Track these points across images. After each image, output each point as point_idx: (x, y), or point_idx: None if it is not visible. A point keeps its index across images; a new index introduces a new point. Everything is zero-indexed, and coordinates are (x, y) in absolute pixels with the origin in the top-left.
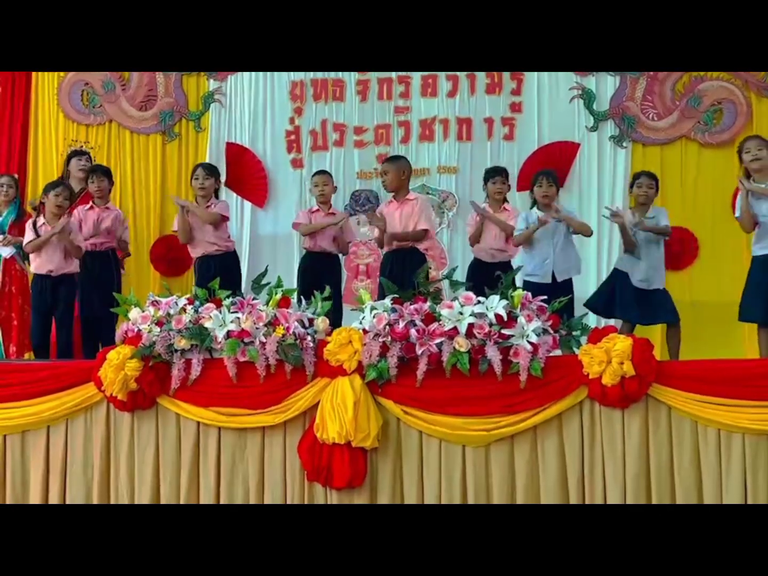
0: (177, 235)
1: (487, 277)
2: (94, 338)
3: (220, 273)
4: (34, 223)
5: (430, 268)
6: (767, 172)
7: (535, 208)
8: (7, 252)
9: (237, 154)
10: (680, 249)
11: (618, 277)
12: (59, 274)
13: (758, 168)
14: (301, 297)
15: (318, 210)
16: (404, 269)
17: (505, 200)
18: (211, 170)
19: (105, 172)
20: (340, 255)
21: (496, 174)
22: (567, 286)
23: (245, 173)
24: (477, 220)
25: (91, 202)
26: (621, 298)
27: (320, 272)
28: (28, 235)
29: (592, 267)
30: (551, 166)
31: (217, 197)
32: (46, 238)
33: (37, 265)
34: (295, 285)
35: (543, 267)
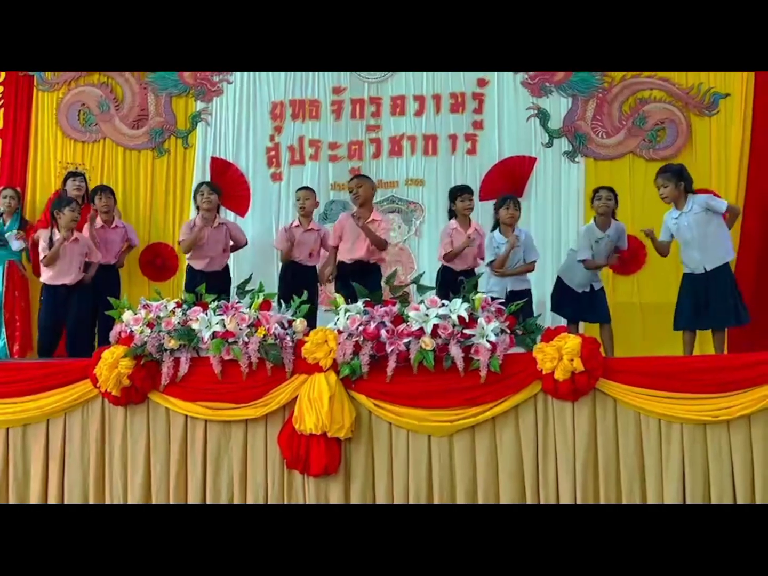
0: (182, 244)
1: (456, 282)
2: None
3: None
4: (50, 239)
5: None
6: (677, 202)
7: (496, 231)
8: (17, 245)
9: (221, 168)
10: (629, 256)
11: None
12: (74, 284)
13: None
14: (281, 302)
15: (298, 225)
16: (361, 279)
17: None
18: (213, 187)
19: (111, 191)
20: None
21: (464, 191)
22: (524, 295)
23: (229, 185)
24: (450, 240)
25: (101, 222)
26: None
27: (297, 280)
28: (43, 249)
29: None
30: (510, 178)
31: (218, 212)
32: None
33: (51, 276)
34: (275, 289)
35: (499, 285)
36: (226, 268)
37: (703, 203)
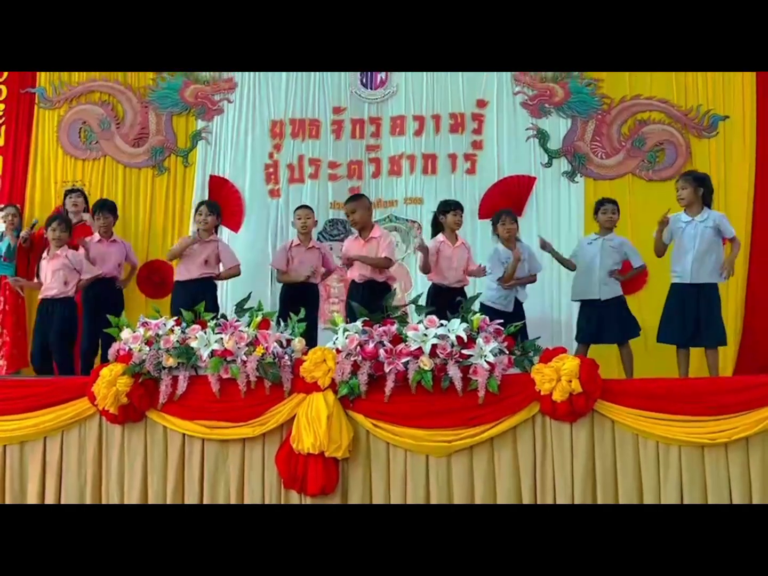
0: (169, 253)
1: (445, 300)
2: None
3: (197, 296)
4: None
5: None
6: (691, 207)
7: (499, 244)
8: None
9: (218, 185)
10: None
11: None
12: (58, 297)
13: (684, 204)
14: (280, 320)
15: (299, 244)
16: (372, 297)
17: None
18: (212, 208)
19: (110, 209)
20: (318, 284)
21: (456, 207)
22: (520, 311)
23: (224, 202)
24: (433, 253)
25: (99, 236)
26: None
27: (298, 300)
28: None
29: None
30: (510, 197)
31: (216, 232)
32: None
33: (40, 291)
34: (269, 305)
35: (507, 298)
36: (209, 280)
37: (718, 220)
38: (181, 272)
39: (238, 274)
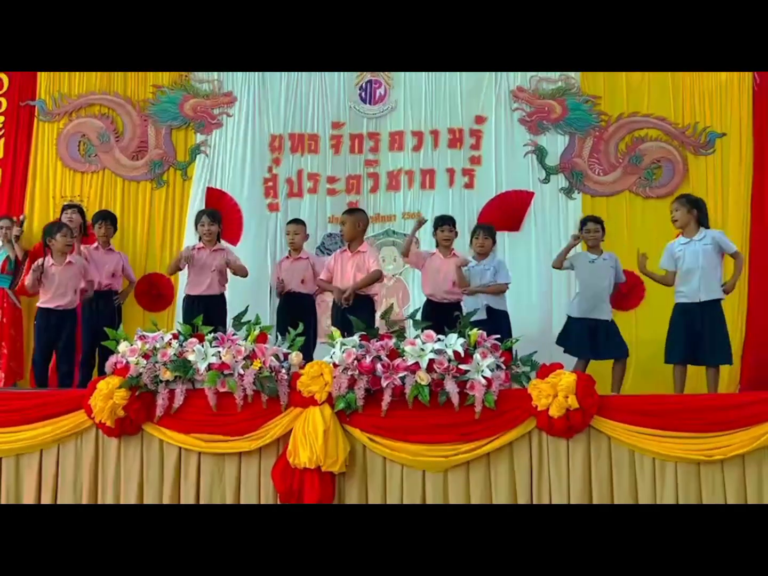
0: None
1: (439, 316)
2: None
3: (208, 311)
4: (43, 263)
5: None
6: (686, 228)
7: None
8: None
9: (216, 197)
10: (627, 291)
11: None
12: (67, 308)
13: (678, 226)
14: (278, 334)
15: (288, 257)
16: (354, 312)
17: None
18: (214, 217)
19: (112, 220)
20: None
21: (444, 222)
22: (502, 316)
23: (222, 215)
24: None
25: (97, 244)
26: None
27: (294, 311)
28: (31, 275)
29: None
30: (508, 212)
31: (219, 241)
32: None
33: (46, 299)
34: (268, 319)
35: (475, 304)
36: (223, 296)
37: (717, 238)
38: (193, 287)
39: (246, 274)
